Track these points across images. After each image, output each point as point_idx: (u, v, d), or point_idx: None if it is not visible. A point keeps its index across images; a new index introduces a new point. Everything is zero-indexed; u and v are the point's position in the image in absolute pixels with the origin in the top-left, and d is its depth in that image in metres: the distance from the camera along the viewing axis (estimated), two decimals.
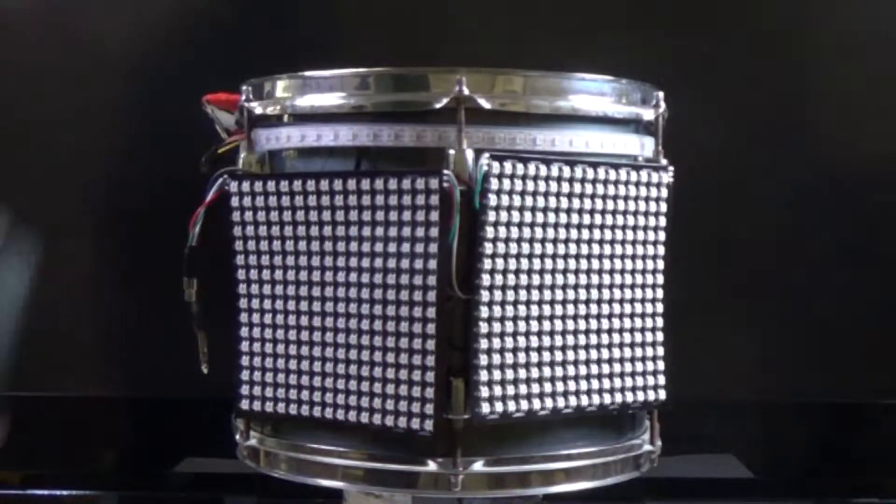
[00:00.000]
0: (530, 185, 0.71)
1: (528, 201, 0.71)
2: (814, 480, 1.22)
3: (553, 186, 0.72)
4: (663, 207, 0.77)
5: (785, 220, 1.19)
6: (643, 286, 0.77)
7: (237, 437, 0.80)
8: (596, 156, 0.74)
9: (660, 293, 0.78)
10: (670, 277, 0.78)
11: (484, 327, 0.70)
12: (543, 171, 0.71)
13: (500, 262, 0.70)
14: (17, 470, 1.23)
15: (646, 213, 0.77)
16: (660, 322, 0.78)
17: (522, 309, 0.71)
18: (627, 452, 0.78)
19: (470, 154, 0.70)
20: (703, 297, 1.11)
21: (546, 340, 0.72)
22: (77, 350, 1.22)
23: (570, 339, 0.73)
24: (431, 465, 0.72)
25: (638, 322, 0.77)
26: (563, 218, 0.72)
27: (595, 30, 1.16)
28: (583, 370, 0.74)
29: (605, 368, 0.75)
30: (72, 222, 1.20)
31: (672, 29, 1.17)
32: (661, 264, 0.78)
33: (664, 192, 0.77)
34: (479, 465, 0.72)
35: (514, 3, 1.18)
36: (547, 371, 0.72)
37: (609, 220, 0.75)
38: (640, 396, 0.77)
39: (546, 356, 0.72)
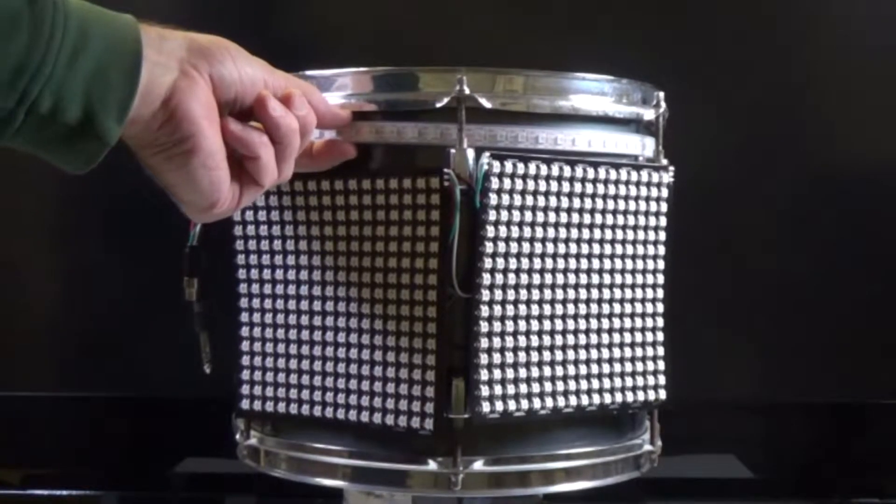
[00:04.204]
0: (531, 185, 0.71)
1: (529, 201, 0.71)
2: (814, 480, 1.22)
3: (554, 186, 0.72)
4: (664, 207, 0.77)
5: (785, 220, 1.19)
6: (643, 286, 0.77)
7: (237, 436, 0.80)
8: (597, 155, 0.74)
9: (660, 293, 0.78)
10: (670, 277, 0.78)
11: (484, 326, 0.70)
12: (544, 170, 0.71)
13: (500, 262, 0.70)
14: (18, 470, 1.23)
15: (646, 213, 0.77)
16: (660, 322, 0.78)
17: (523, 308, 0.71)
18: (627, 452, 0.78)
19: (471, 153, 0.70)
20: (703, 297, 1.11)
21: (546, 340, 0.72)
22: (77, 350, 1.22)
23: (571, 339, 0.73)
24: (431, 465, 0.72)
25: (638, 322, 0.77)
26: (564, 217, 0.72)
27: (595, 30, 1.16)
28: (583, 370, 0.74)
29: (606, 368, 0.75)
30: (71, 222, 1.20)
31: (672, 29, 1.17)
32: (661, 264, 0.78)
33: (664, 192, 0.77)
34: (479, 465, 0.72)
35: (515, 3, 1.18)
36: (547, 370, 0.72)
37: (609, 219, 0.74)
38: (640, 396, 0.77)
39: (546, 356, 0.72)
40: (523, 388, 0.71)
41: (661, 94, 0.79)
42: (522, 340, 0.71)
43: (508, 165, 0.70)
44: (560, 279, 0.73)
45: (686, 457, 1.14)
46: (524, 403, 0.71)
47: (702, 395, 1.01)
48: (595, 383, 0.75)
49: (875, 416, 1.21)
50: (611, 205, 0.74)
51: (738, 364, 1.18)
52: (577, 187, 0.73)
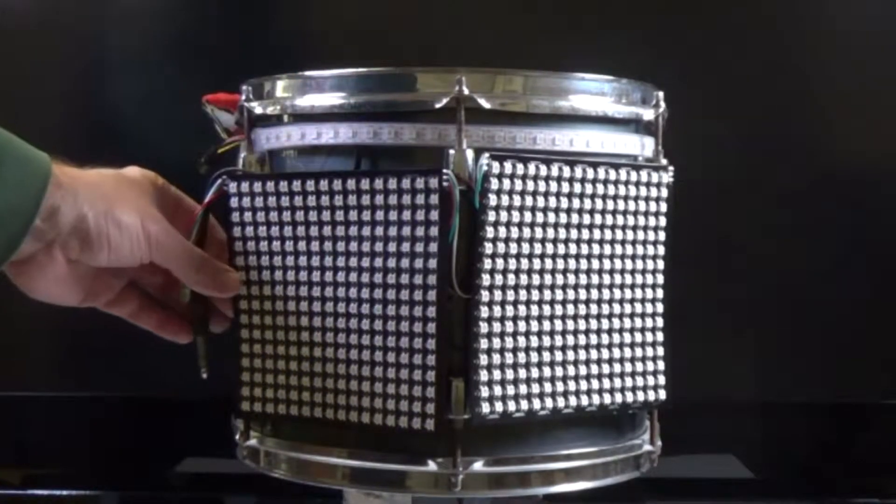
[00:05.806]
0: (530, 185, 0.70)
1: (529, 201, 0.71)
2: (814, 480, 1.22)
3: (553, 186, 0.72)
4: (663, 207, 0.77)
5: (785, 220, 1.19)
6: (643, 286, 0.77)
7: (237, 437, 0.80)
8: (596, 155, 0.74)
9: (660, 293, 0.78)
10: (670, 277, 0.78)
11: (484, 327, 0.70)
12: (543, 170, 0.71)
13: (500, 262, 0.70)
14: (18, 470, 1.23)
15: (646, 213, 0.76)
16: (660, 322, 0.78)
17: (522, 309, 0.71)
18: (627, 452, 0.78)
19: (470, 154, 0.70)
20: (703, 297, 1.11)
21: (546, 340, 0.72)
22: (77, 350, 1.22)
23: (571, 339, 0.73)
24: (431, 465, 0.72)
25: (638, 322, 0.77)
26: (563, 218, 0.72)
27: (595, 30, 1.16)
28: (583, 370, 0.74)
29: (605, 368, 0.75)
30: None
31: (672, 29, 1.17)
32: (661, 264, 0.78)
33: (664, 192, 0.77)
34: (479, 465, 0.72)
35: (515, 3, 1.18)
36: (547, 371, 0.72)
37: (609, 220, 0.74)
38: (640, 396, 0.77)
39: (546, 356, 0.72)
40: (523, 389, 0.71)
41: (661, 94, 0.79)
42: (522, 341, 0.71)
43: (508, 166, 0.69)
44: (560, 279, 0.73)
45: (686, 457, 1.14)
46: (524, 404, 0.71)
47: (702, 395, 1.01)
48: (595, 384, 0.75)
49: (875, 416, 1.21)
50: (610, 205, 0.74)
51: (738, 364, 1.18)
52: (577, 188, 0.73)
